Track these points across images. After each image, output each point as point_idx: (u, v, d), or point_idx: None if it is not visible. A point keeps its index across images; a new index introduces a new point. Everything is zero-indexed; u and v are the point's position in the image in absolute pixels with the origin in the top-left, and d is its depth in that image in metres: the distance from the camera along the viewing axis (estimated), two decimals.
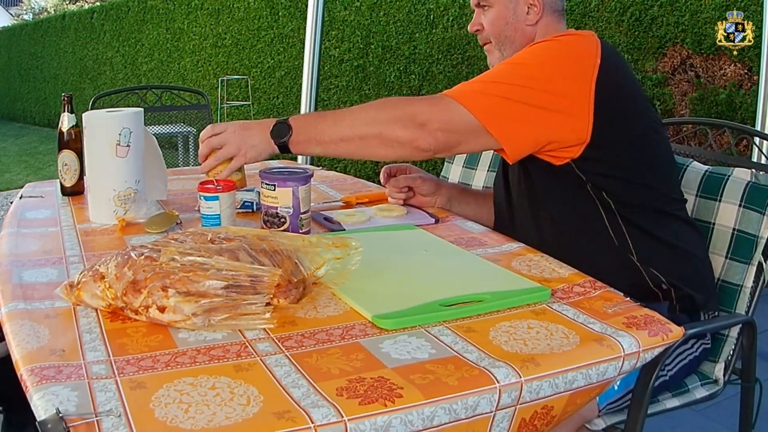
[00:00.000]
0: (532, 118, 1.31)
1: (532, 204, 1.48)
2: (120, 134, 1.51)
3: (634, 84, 1.44)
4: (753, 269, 1.47)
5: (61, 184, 1.81)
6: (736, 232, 1.50)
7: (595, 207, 1.38)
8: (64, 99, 1.80)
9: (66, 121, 1.77)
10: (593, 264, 1.25)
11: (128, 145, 1.52)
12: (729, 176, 1.54)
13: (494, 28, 1.51)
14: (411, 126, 1.32)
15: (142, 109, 1.61)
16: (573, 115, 1.31)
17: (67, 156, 1.78)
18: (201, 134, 1.44)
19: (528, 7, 1.48)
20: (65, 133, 1.77)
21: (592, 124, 1.31)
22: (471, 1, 1.56)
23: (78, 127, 1.80)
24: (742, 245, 1.49)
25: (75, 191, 1.79)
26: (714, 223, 1.54)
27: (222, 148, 1.40)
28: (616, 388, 1.28)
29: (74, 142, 1.79)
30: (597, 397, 1.21)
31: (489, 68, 1.49)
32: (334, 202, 1.75)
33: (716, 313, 1.46)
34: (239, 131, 1.40)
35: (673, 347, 1.03)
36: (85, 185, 1.61)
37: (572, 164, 1.35)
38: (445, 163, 2.31)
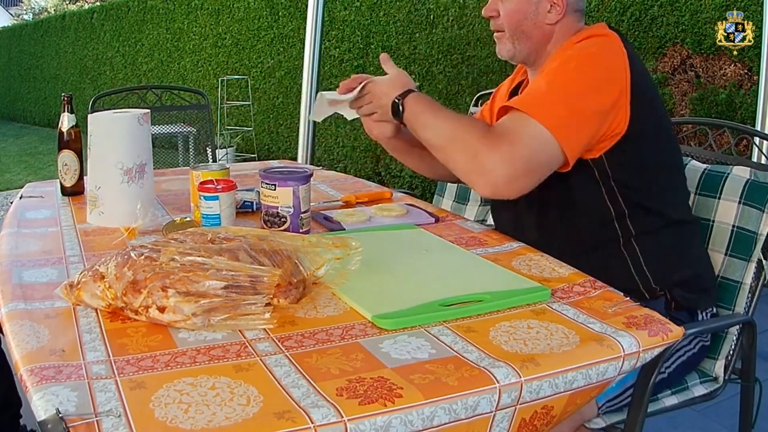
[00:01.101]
0: (589, 122, 1.30)
1: (539, 205, 1.45)
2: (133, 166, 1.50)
3: (651, 80, 1.45)
4: (752, 266, 1.47)
5: (61, 184, 1.81)
6: (735, 229, 1.50)
7: (608, 211, 1.37)
8: (64, 99, 1.79)
9: (66, 121, 1.77)
10: (597, 266, 1.25)
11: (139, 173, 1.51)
12: (728, 174, 1.54)
13: (511, 20, 1.46)
14: (473, 169, 1.29)
15: (148, 115, 1.57)
16: (615, 112, 1.31)
17: (67, 156, 1.77)
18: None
19: (551, 6, 1.44)
20: (65, 133, 1.77)
21: (629, 116, 1.31)
22: None
23: (78, 127, 1.80)
24: (741, 242, 1.49)
25: (75, 191, 1.79)
26: (713, 221, 1.54)
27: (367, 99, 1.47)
28: (614, 384, 1.28)
29: (74, 142, 1.78)
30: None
31: (497, 55, 1.49)
32: (334, 201, 1.75)
33: (713, 309, 1.46)
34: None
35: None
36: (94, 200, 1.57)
37: (603, 158, 1.34)
38: (435, 195, 2.28)
